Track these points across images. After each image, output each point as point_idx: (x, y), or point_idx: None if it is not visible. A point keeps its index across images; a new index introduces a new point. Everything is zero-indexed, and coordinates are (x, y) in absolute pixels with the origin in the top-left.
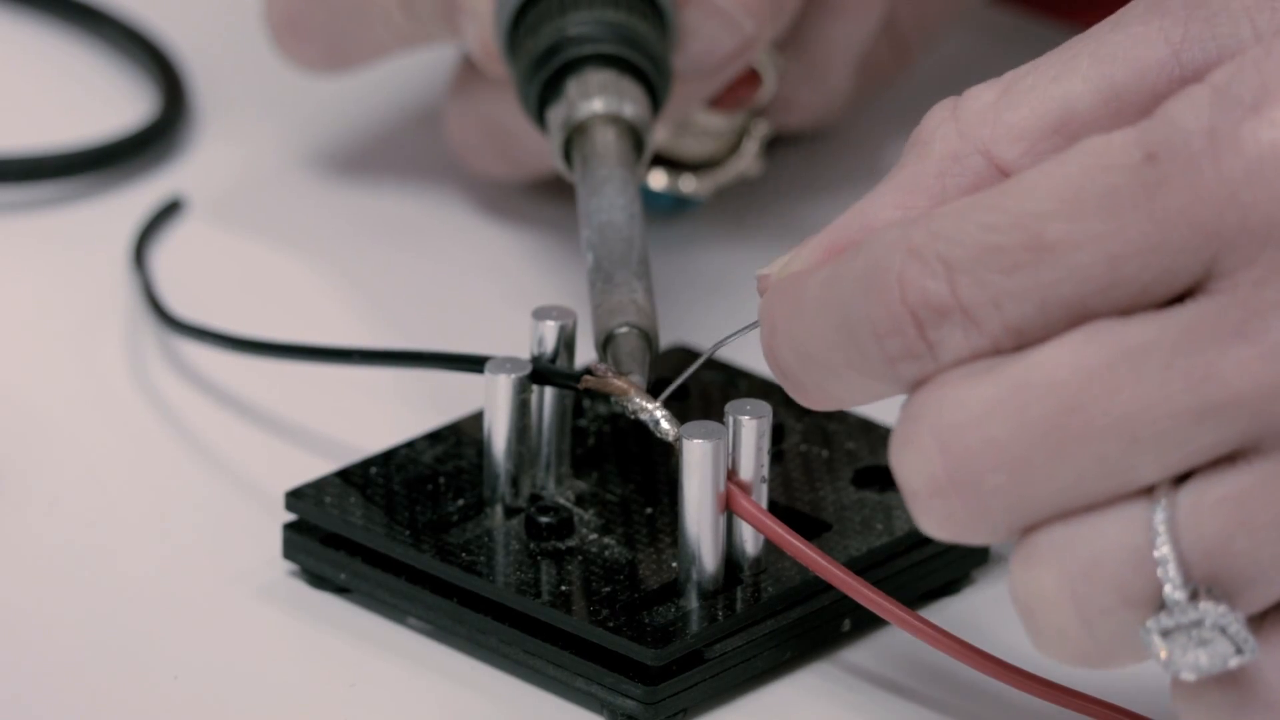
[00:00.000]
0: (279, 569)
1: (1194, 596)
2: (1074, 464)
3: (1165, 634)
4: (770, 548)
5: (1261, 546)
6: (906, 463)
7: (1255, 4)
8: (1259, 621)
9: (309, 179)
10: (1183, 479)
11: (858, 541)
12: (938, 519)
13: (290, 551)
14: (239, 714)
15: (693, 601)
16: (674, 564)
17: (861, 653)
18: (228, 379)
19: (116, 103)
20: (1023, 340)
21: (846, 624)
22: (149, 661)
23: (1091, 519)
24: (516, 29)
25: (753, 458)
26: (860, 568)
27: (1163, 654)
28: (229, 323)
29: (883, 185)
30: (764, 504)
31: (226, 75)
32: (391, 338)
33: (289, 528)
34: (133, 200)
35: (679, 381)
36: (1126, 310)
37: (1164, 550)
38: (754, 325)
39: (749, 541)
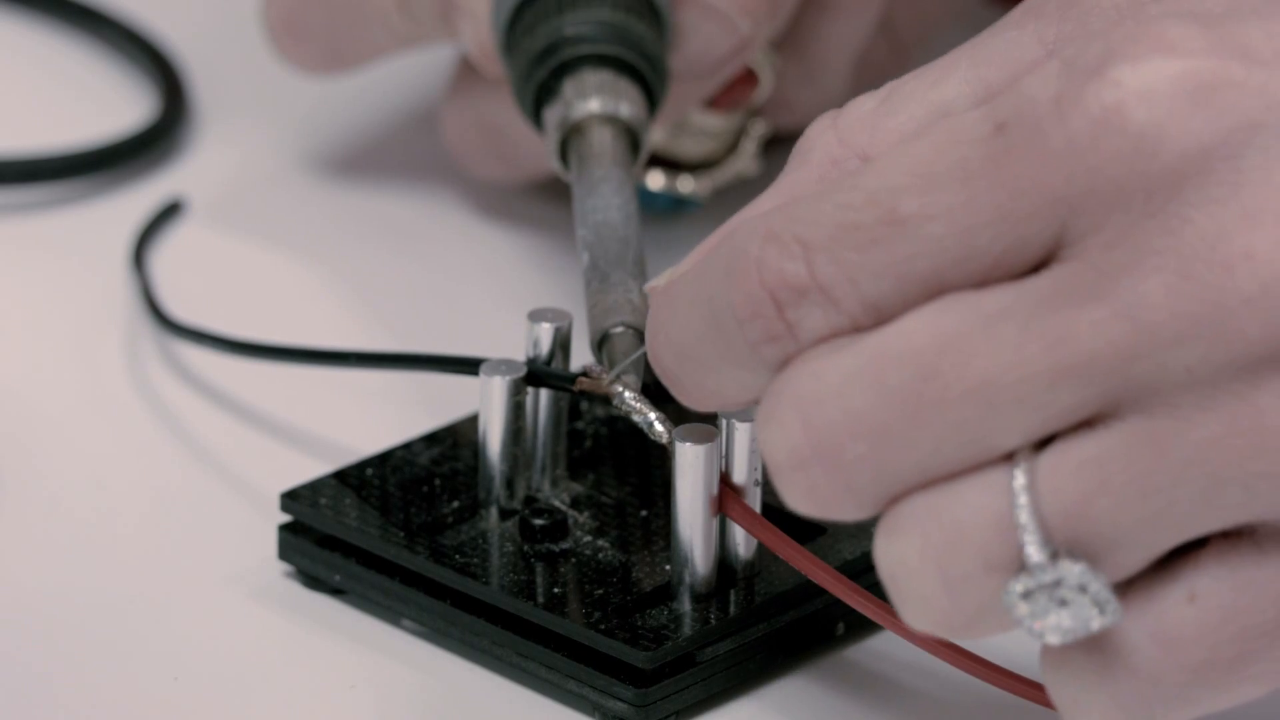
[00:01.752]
0: (274, 570)
1: (1054, 558)
2: (933, 431)
3: (1026, 595)
4: (764, 551)
5: (1121, 508)
6: (769, 437)
7: (1128, 3)
8: (1125, 587)
9: (308, 181)
10: (1044, 444)
11: (852, 545)
12: (802, 492)
13: (285, 553)
14: (235, 714)
15: (685, 604)
16: (667, 567)
17: (855, 657)
18: (226, 381)
19: (116, 104)
20: (881, 317)
21: (840, 628)
22: (147, 661)
23: (953, 486)
24: (513, 29)
25: (746, 461)
26: (854, 571)
27: (1023, 615)
28: (227, 324)
29: (764, 194)
30: (757, 507)
31: (226, 77)
32: (389, 339)
33: (284, 529)
34: (132, 202)
35: (621, 367)
36: (982, 283)
37: (1023, 513)
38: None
39: (742, 545)
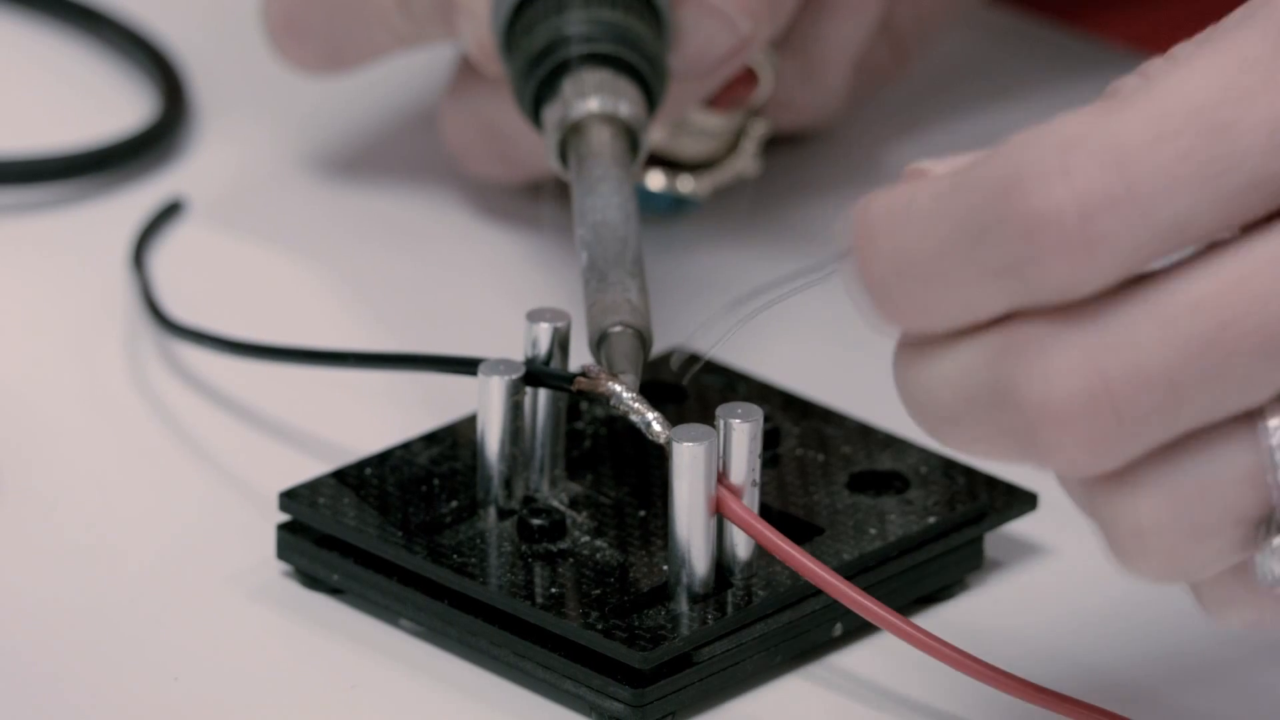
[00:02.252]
0: (273, 569)
1: None
2: (1218, 381)
3: (1274, 552)
4: (762, 551)
5: None
6: (1047, 376)
7: None
8: None
9: (308, 181)
10: None
11: (850, 546)
12: (1074, 442)
13: (284, 552)
14: (233, 714)
15: (682, 605)
16: (665, 567)
17: (852, 658)
18: (225, 381)
19: (116, 105)
20: (1182, 238)
21: (838, 629)
22: (146, 661)
23: (1200, 442)
24: (513, 28)
25: (744, 461)
26: (852, 573)
27: (1272, 569)
28: (227, 324)
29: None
30: (755, 508)
31: (226, 77)
32: (389, 340)
33: (283, 528)
34: (132, 202)
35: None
36: (1273, 204)
37: (1276, 467)
38: (818, 274)
39: (740, 545)
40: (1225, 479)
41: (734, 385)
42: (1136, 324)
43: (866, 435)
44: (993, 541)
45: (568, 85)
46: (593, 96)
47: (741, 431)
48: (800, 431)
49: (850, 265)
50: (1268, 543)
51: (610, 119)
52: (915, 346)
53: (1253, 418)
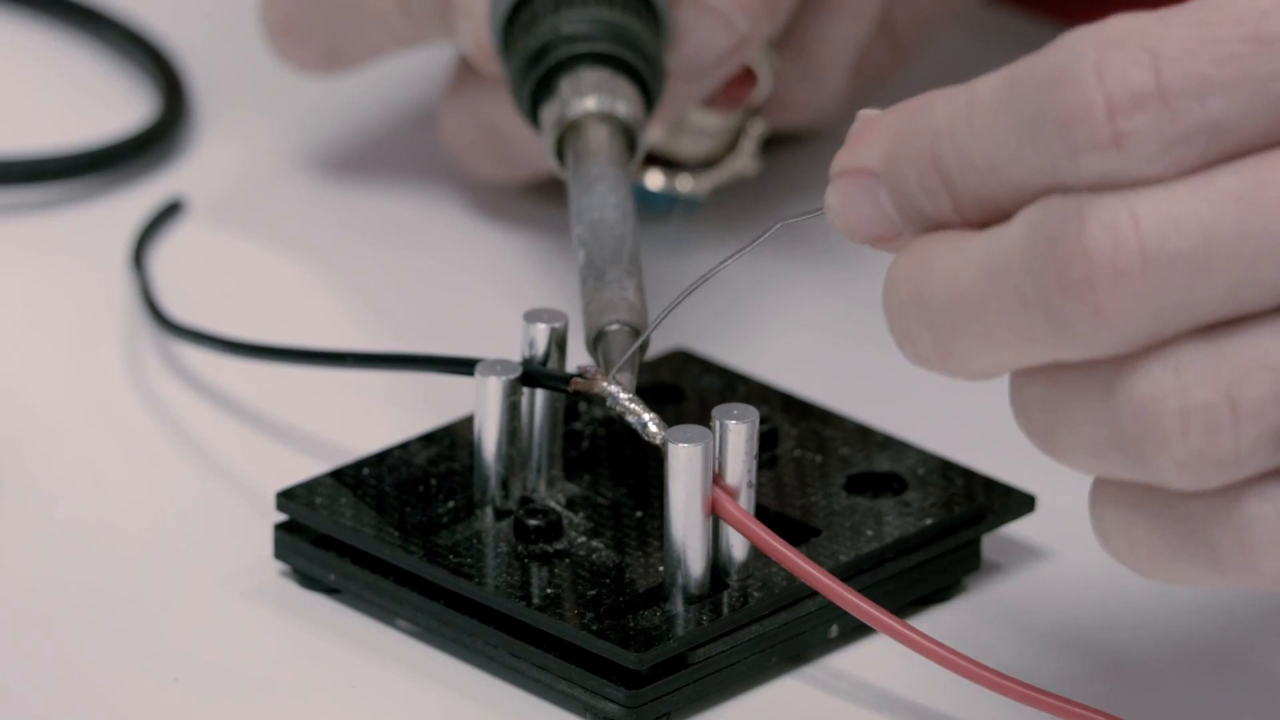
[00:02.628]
0: (270, 569)
1: None
2: (1256, 244)
3: None
4: (758, 553)
5: None
6: (1091, 235)
7: None
8: None
9: (309, 181)
10: None
11: (846, 547)
12: (1117, 306)
13: (281, 552)
14: (229, 713)
15: (678, 606)
16: (661, 568)
17: (848, 659)
18: (225, 380)
19: (116, 105)
20: (1217, 144)
21: (833, 630)
22: (144, 660)
23: (1250, 326)
24: (511, 27)
25: (740, 462)
26: (848, 574)
27: None
28: (227, 324)
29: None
30: (751, 509)
31: (226, 77)
32: (388, 339)
33: (280, 528)
34: (132, 202)
35: (722, 265)
36: None
37: None
38: (818, 212)
39: (736, 546)
40: (1273, 364)
41: (733, 386)
42: (1175, 190)
43: (865, 436)
44: (991, 543)
45: (565, 84)
46: (590, 95)
47: (737, 432)
48: (799, 432)
49: (906, 161)
50: None
51: (608, 118)
52: (934, 241)
53: None
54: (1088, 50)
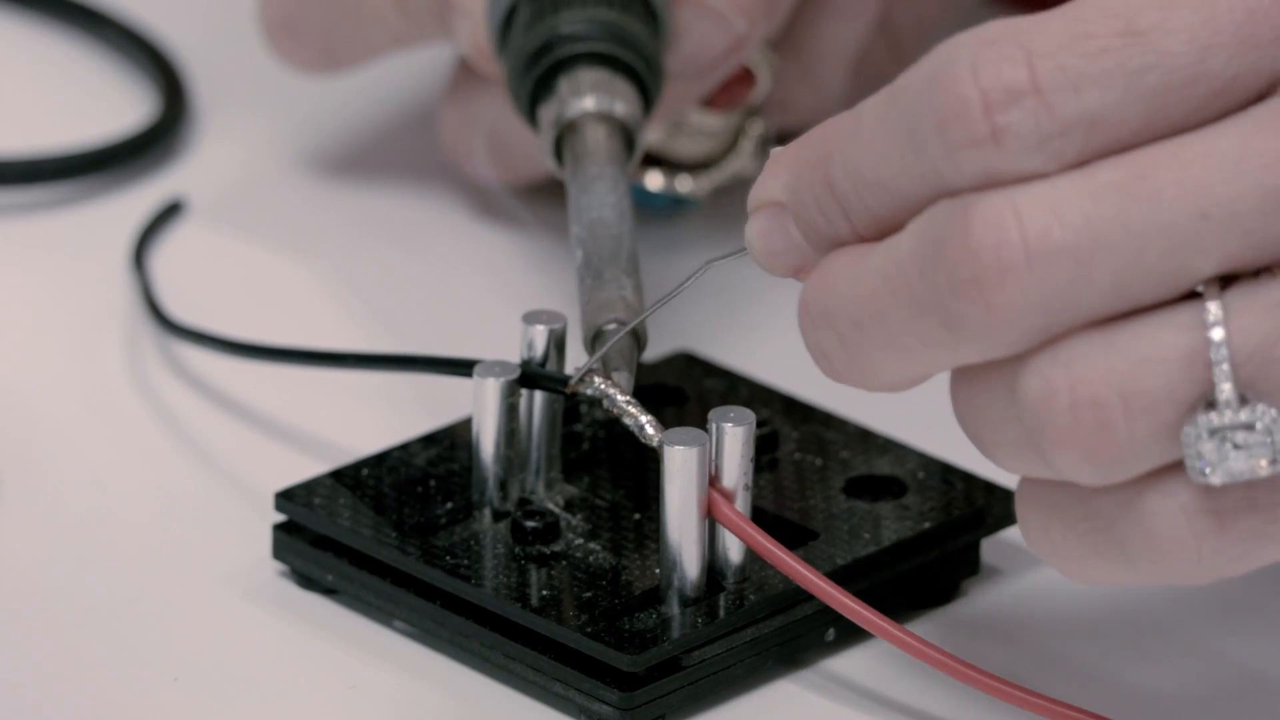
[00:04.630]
0: (269, 569)
1: (1243, 399)
2: (1138, 244)
3: (1213, 433)
4: (754, 555)
5: None
6: (955, 244)
7: None
8: None
9: (308, 181)
10: (1225, 288)
11: (843, 551)
12: (986, 308)
13: (279, 552)
14: (227, 713)
15: (674, 608)
16: (657, 570)
17: (844, 663)
18: (225, 381)
19: (116, 105)
20: (1094, 135)
21: (830, 634)
22: (143, 660)
23: (1140, 320)
24: (509, 27)
25: (736, 465)
26: (845, 577)
27: (1203, 451)
28: (227, 324)
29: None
30: (747, 511)
31: (226, 77)
32: (388, 340)
33: (278, 528)
34: (132, 202)
35: (649, 311)
36: (1202, 108)
37: (1218, 348)
38: (741, 251)
39: (733, 549)
40: (1164, 356)
41: (735, 388)
42: (1057, 185)
43: (866, 440)
44: (990, 548)
45: (564, 84)
46: (588, 95)
47: (733, 435)
48: (799, 435)
49: (804, 188)
50: (1201, 422)
51: (606, 118)
52: (837, 258)
53: (1194, 299)
54: (963, 51)
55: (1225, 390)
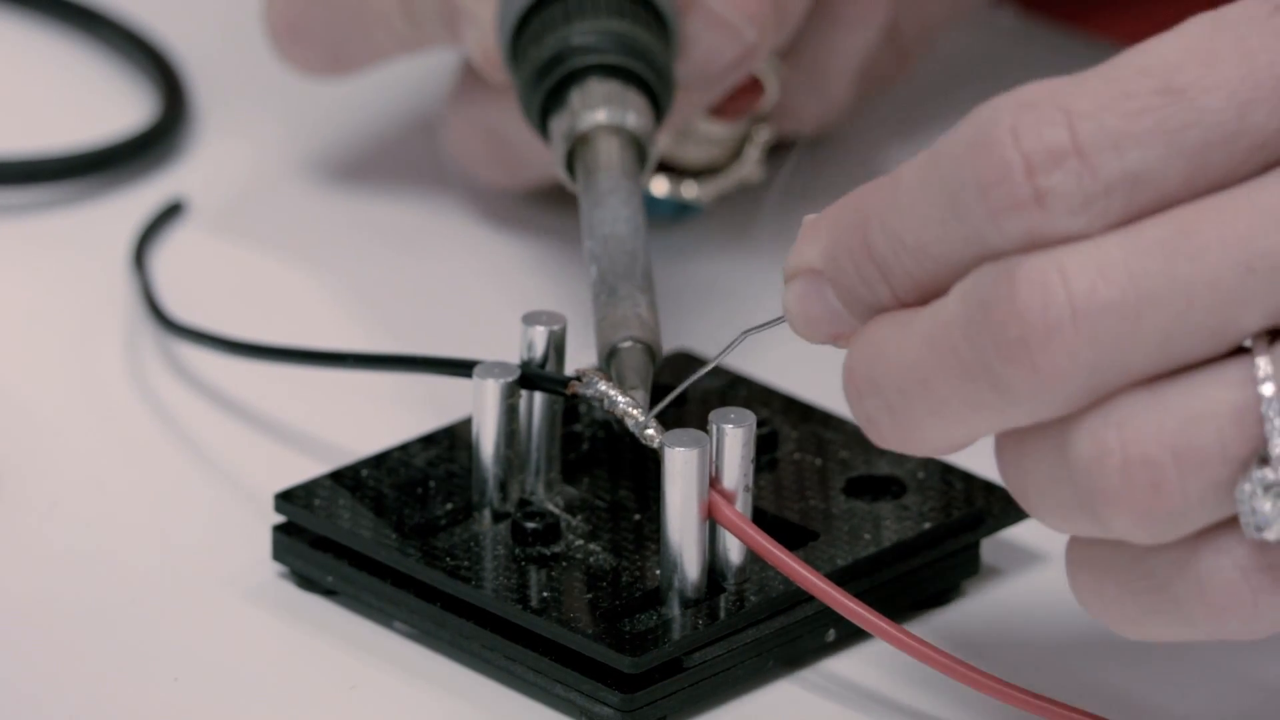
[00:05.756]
0: (269, 570)
1: None
2: (1186, 292)
3: (1268, 489)
4: (755, 556)
5: None
6: (997, 316)
7: None
8: None
9: (309, 183)
10: (1274, 342)
11: (844, 551)
12: (1045, 369)
13: (279, 553)
14: (227, 714)
15: (674, 609)
16: (658, 571)
17: (845, 664)
18: (225, 381)
19: (116, 105)
20: (1137, 195)
21: (831, 634)
22: (143, 660)
23: (1189, 377)
24: (519, 37)
25: (736, 466)
26: (845, 578)
27: (1259, 508)
28: (227, 325)
29: None
30: (748, 512)
31: (227, 78)
32: (388, 341)
33: (278, 529)
34: (132, 203)
35: (685, 385)
36: (1245, 163)
37: (1271, 402)
38: (779, 320)
39: (733, 550)
40: (1215, 413)
41: (734, 388)
42: (1101, 244)
43: (865, 440)
44: (990, 548)
45: (575, 96)
46: (601, 108)
47: (734, 436)
48: (799, 435)
49: (843, 255)
50: (1256, 478)
51: (618, 130)
52: (881, 324)
53: (1242, 354)
54: (1003, 115)
55: (1278, 445)
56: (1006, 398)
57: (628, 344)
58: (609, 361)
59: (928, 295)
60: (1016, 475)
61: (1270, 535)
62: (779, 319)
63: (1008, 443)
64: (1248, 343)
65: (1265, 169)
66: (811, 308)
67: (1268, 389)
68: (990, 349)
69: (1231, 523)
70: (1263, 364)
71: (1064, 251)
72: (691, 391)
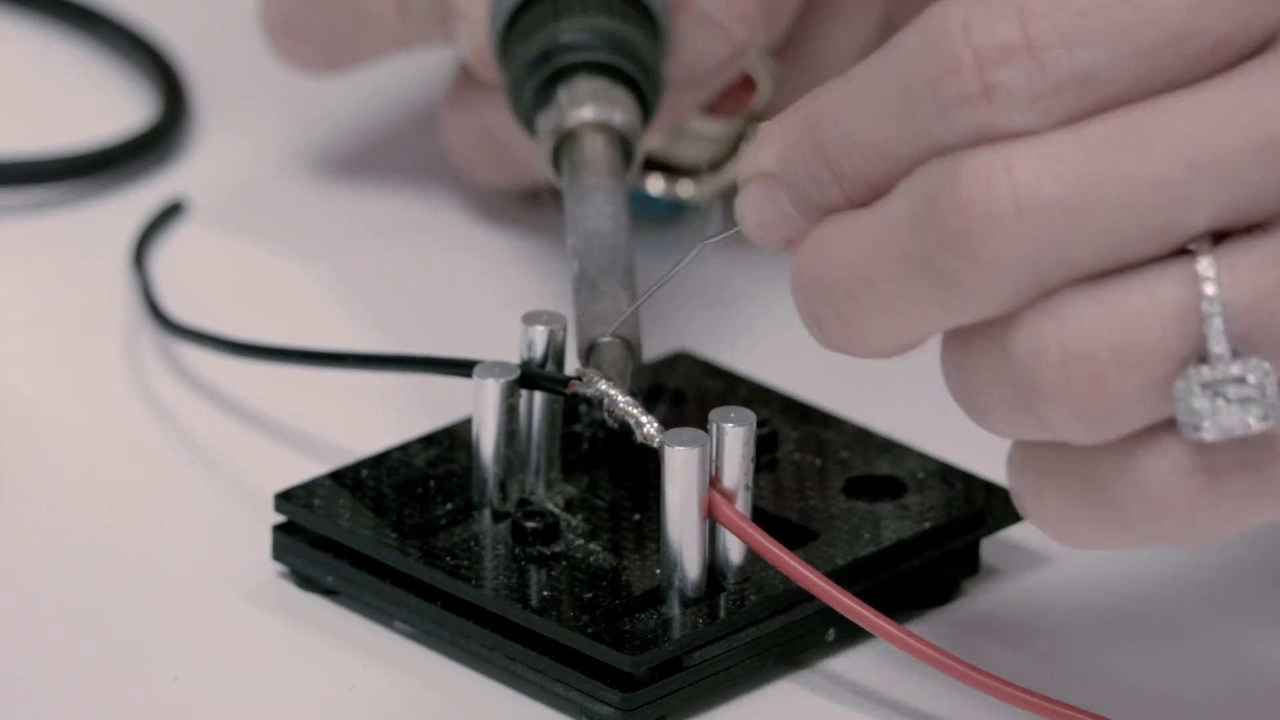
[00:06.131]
0: (268, 570)
1: (1235, 353)
2: (1129, 196)
3: (1205, 387)
4: (755, 556)
5: None
6: (946, 204)
7: None
8: None
9: (309, 182)
10: (1217, 244)
11: (843, 551)
12: (982, 262)
13: (279, 553)
14: (227, 715)
15: (674, 609)
16: (658, 571)
17: (845, 663)
18: (225, 381)
19: (116, 106)
20: (1086, 92)
21: (831, 634)
22: (143, 660)
23: (1133, 275)
24: (509, 35)
25: (736, 465)
26: (845, 578)
27: (1195, 407)
28: (227, 325)
29: None
30: (748, 512)
31: (226, 78)
32: (388, 341)
33: (278, 529)
34: (132, 203)
35: (642, 300)
36: (1196, 65)
37: (1210, 302)
38: (735, 229)
39: (733, 549)
40: (1156, 311)
41: (734, 388)
42: (1048, 140)
43: (865, 440)
44: (990, 548)
45: (563, 93)
46: (587, 105)
47: (734, 435)
48: (799, 435)
49: (795, 156)
50: (1193, 376)
51: (604, 127)
52: (829, 224)
53: (1187, 255)
54: (955, 9)
55: (1218, 344)
56: (950, 292)
57: (607, 339)
58: (588, 356)
59: (879, 195)
60: (960, 376)
61: (1207, 435)
62: (735, 229)
63: (951, 344)
64: (1193, 244)
65: (1217, 72)
66: (765, 213)
67: (1209, 288)
68: (934, 241)
69: (1170, 424)
70: (1205, 264)
71: (1011, 146)
72: (691, 391)
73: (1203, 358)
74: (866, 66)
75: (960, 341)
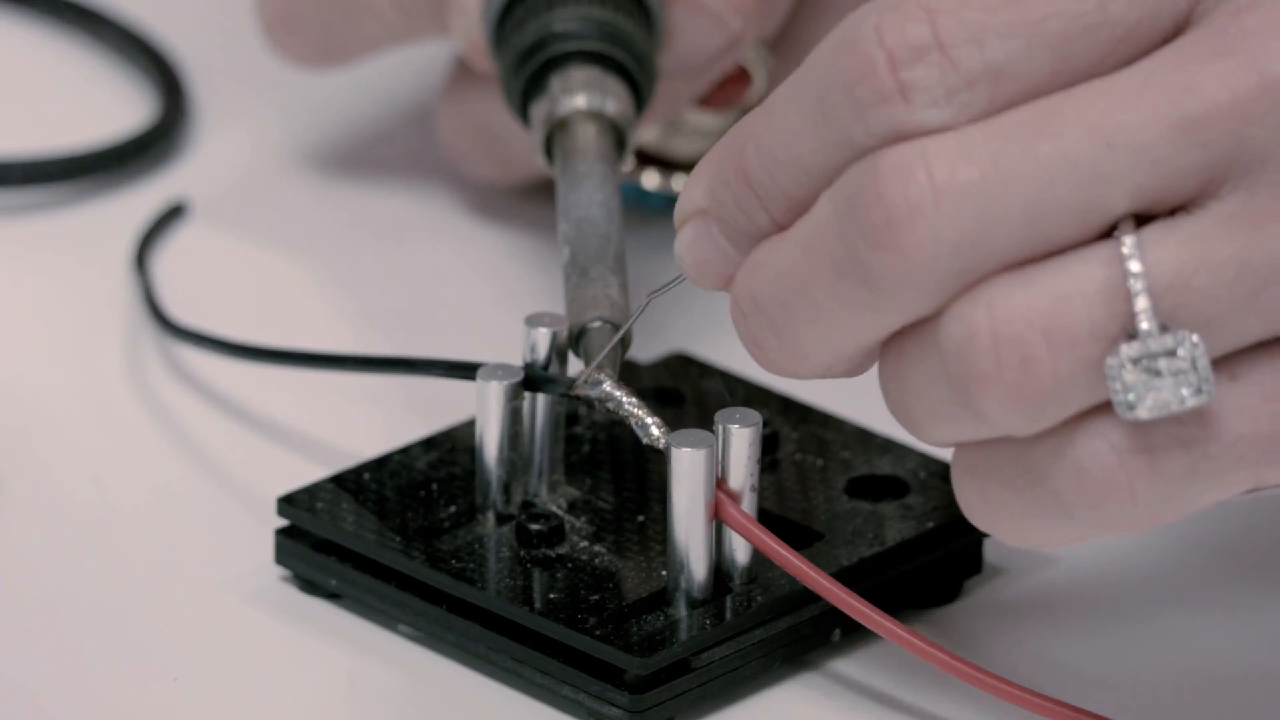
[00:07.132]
0: (271, 574)
1: (1164, 329)
2: (1048, 169)
3: (1135, 362)
4: (761, 557)
5: (1219, 284)
6: (862, 194)
7: None
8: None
9: (310, 181)
10: (1140, 225)
11: (848, 551)
12: (913, 243)
13: (282, 557)
14: (228, 718)
15: (681, 610)
16: (663, 572)
17: (851, 664)
18: (226, 383)
19: (117, 106)
20: (1000, 84)
21: (836, 634)
22: (144, 664)
23: (1058, 258)
24: (503, 25)
25: (742, 466)
26: (850, 578)
27: (1128, 383)
28: (228, 326)
29: None
30: (754, 513)
31: (226, 78)
32: (389, 343)
33: (280, 533)
34: (133, 204)
35: (629, 323)
36: (1108, 55)
37: (1136, 279)
38: (679, 279)
39: (739, 550)
40: (1083, 291)
41: (733, 389)
42: (965, 131)
43: (866, 440)
44: (992, 547)
45: (555, 82)
46: (580, 93)
47: (740, 436)
48: (799, 436)
49: (721, 187)
50: (1124, 352)
51: (597, 116)
52: (761, 248)
53: (1109, 236)
54: (868, 16)
55: (1146, 320)
56: (877, 290)
57: (597, 324)
58: (577, 341)
59: (804, 213)
60: (895, 386)
61: (1142, 413)
62: (681, 277)
63: (887, 356)
64: (1118, 228)
65: (1129, 62)
66: (700, 250)
67: (1134, 265)
68: (857, 238)
69: (1106, 407)
70: (1129, 242)
71: (928, 139)
72: (692, 394)
73: (1132, 335)
74: (785, 85)
75: (895, 350)
